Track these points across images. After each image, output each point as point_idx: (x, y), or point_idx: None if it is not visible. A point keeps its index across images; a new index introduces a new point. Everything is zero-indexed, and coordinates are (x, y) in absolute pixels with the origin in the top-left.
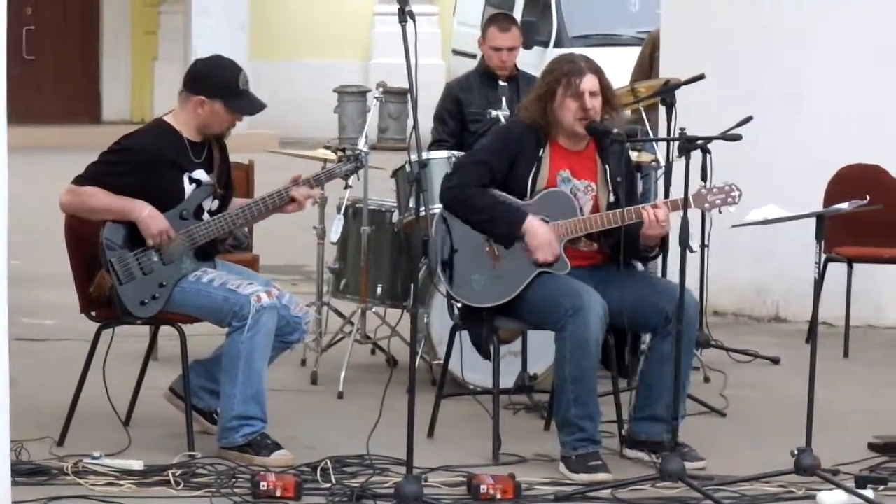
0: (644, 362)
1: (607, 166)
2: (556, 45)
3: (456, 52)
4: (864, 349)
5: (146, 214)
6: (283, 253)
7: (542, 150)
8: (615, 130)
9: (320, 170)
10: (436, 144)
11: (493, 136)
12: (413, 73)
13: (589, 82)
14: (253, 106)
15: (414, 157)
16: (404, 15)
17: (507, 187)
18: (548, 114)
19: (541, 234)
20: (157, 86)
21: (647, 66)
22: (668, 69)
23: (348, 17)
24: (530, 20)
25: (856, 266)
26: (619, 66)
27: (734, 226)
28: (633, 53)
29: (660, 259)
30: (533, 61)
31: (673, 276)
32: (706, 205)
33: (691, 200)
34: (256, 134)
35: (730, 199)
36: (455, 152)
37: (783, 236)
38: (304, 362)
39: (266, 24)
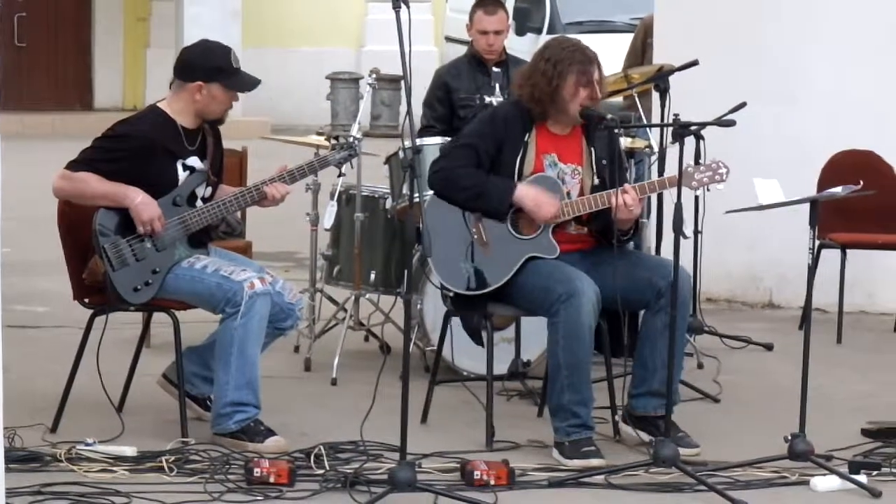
0: (638, 339)
1: (593, 149)
2: (550, 31)
3: (449, 39)
4: (857, 335)
5: (139, 201)
6: (277, 239)
7: (527, 135)
8: (609, 116)
9: (313, 157)
10: (424, 130)
11: (480, 121)
12: (407, 60)
13: (598, 73)
14: (249, 83)
15: (408, 143)
16: (398, 1)
17: (495, 172)
18: (554, 99)
19: (533, 194)
20: (150, 73)
21: (640, 52)
22: (662, 55)
23: (341, 5)
24: (523, 6)
25: (849, 252)
26: (612, 52)
27: (727, 212)
28: (627, 40)
29: (653, 244)
30: (525, 48)
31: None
32: (694, 183)
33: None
34: (249, 121)
35: (717, 177)
36: (448, 139)
37: (776, 222)
38: (297, 349)
39: (259, 11)
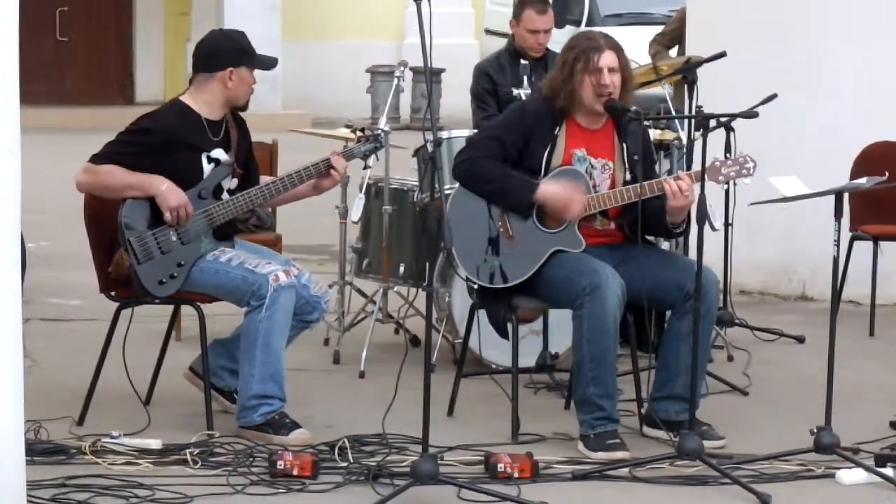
0: (663, 341)
1: (625, 144)
2: (589, 23)
3: (489, 32)
4: (889, 328)
5: (165, 188)
6: (307, 233)
7: (557, 129)
8: (633, 108)
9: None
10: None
11: (507, 114)
12: (427, 53)
13: (607, 59)
14: (270, 61)
15: (430, 135)
16: None
17: (522, 165)
18: (567, 91)
19: (557, 192)
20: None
21: (677, 35)
22: (694, 47)
23: None
24: None
25: (882, 244)
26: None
27: (751, 204)
28: None
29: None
30: (564, 40)
31: (694, 254)
32: (720, 177)
33: (705, 174)
34: (290, 114)
35: (744, 171)
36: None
37: (809, 214)
38: (327, 342)
39: (299, 4)
